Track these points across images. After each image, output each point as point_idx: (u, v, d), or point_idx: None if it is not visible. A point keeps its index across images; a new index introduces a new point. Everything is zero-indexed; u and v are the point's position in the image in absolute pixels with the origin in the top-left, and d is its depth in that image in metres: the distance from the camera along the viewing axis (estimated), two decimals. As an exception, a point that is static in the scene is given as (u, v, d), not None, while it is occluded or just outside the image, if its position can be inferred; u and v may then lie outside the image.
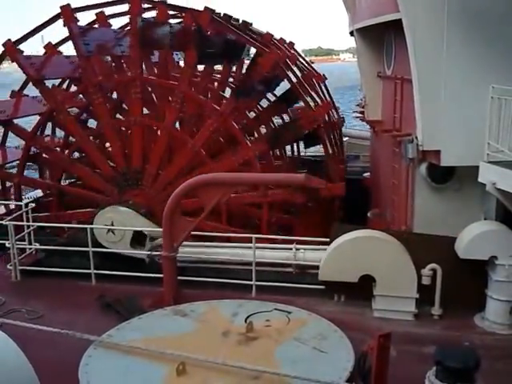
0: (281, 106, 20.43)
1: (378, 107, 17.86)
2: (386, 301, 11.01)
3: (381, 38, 16.82)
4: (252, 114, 19.74)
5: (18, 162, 17.46)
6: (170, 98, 17.02)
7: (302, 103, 18.59)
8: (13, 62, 16.36)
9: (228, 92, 19.63)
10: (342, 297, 11.71)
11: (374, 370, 6.80)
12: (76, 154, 18.48)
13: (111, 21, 18.79)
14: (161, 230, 11.94)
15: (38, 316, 11.10)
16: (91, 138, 17.74)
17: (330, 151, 18.49)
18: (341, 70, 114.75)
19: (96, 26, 18.25)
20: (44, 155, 17.73)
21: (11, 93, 18.77)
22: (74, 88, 20.12)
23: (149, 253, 13.17)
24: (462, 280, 10.84)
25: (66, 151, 17.97)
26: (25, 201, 17.20)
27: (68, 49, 18.17)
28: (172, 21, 18.17)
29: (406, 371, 8.04)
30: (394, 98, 14.86)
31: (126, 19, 18.43)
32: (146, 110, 17.27)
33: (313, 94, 19.32)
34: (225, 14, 20.19)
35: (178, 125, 17.71)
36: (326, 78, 22.80)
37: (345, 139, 25.42)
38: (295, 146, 22.73)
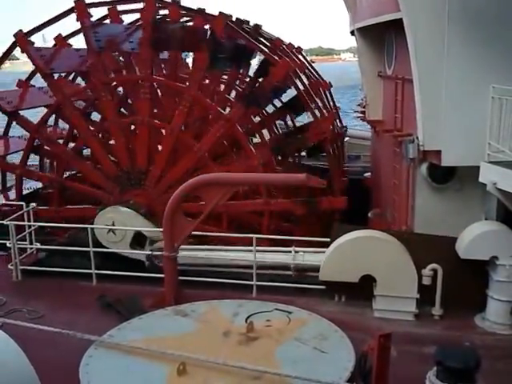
0: (286, 112, 20.63)
1: (378, 107, 17.87)
2: (386, 301, 11.01)
3: (381, 37, 16.82)
4: (257, 117, 19.82)
5: (21, 151, 17.54)
6: (177, 99, 17.19)
7: (307, 111, 18.51)
8: (23, 52, 16.24)
9: (233, 93, 19.79)
10: (343, 297, 11.71)
11: (375, 370, 6.80)
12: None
13: (123, 17, 19.04)
14: (161, 229, 11.94)
15: (38, 316, 11.10)
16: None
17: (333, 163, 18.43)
18: (341, 70, 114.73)
19: (107, 21, 18.37)
20: (47, 147, 17.78)
21: (18, 82, 18.75)
22: (79, 80, 20.30)
23: (149, 253, 13.21)
24: (462, 280, 10.84)
25: (72, 143, 18.20)
26: (25, 191, 17.52)
27: (78, 41, 18.44)
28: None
29: (406, 371, 8.04)
30: (394, 97, 14.86)
31: (137, 15, 18.69)
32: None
33: (318, 102, 19.33)
34: (237, 19, 20.45)
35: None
36: (332, 86, 22.85)
37: (346, 139, 25.44)
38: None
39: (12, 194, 18.28)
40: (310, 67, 22.03)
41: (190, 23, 19.20)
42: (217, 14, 16.43)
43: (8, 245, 13.22)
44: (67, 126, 19.06)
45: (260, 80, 17.05)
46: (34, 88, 18.75)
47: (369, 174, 20.64)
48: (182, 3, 17.75)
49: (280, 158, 20.08)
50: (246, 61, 17.99)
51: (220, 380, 7.73)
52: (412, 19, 12.01)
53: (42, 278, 12.94)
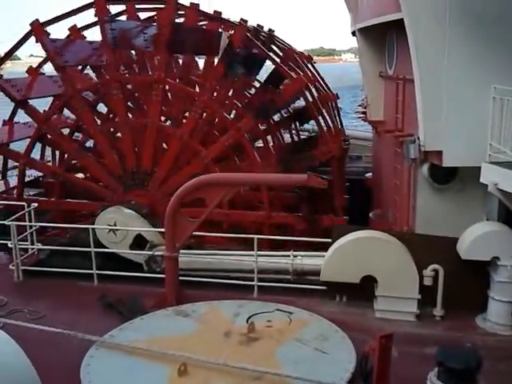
0: (293, 122, 20.76)
1: (380, 107, 17.86)
2: (387, 301, 11.00)
3: (383, 38, 16.81)
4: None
5: (24, 139, 17.59)
6: (183, 102, 17.45)
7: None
8: (37, 42, 16.10)
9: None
10: (344, 297, 11.70)
11: (376, 371, 6.80)
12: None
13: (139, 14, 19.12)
14: (162, 229, 11.93)
15: (40, 316, 11.09)
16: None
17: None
18: (343, 70, 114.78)
19: (124, 17, 18.44)
20: (49, 136, 17.79)
21: (28, 68, 18.74)
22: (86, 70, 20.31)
23: (150, 253, 13.21)
24: (463, 281, 10.83)
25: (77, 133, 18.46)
26: (27, 179, 17.58)
27: (92, 34, 18.56)
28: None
29: (407, 372, 8.04)
30: (395, 98, 14.86)
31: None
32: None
33: (325, 115, 19.39)
34: (254, 27, 20.79)
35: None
36: (339, 98, 22.95)
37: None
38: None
39: (13, 181, 18.41)
40: (319, 78, 22.15)
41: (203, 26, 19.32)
42: (233, 19, 16.65)
43: (9, 245, 13.23)
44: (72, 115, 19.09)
45: (270, 88, 17.36)
46: (43, 76, 18.75)
47: (370, 174, 20.62)
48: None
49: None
50: (257, 69, 18.14)
51: (221, 380, 7.73)
52: (413, 19, 12.00)
53: (43, 278, 12.93)
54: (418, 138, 12.40)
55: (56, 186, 16.98)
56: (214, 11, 20.63)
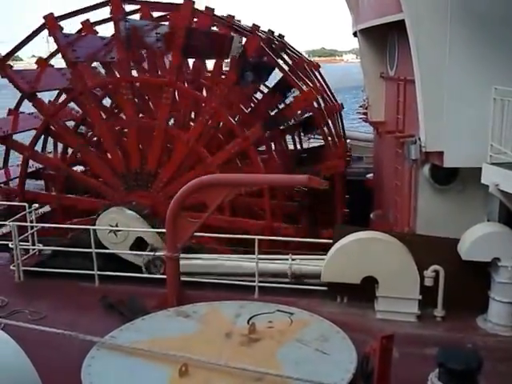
0: (298, 130, 20.91)
1: (381, 108, 17.86)
2: (388, 302, 10.99)
3: (384, 38, 16.82)
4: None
5: (28, 130, 17.66)
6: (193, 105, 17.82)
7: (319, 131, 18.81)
8: (50, 36, 16.19)
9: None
10: (345, 298, 11.69)
11: (377, 372, 6.80)
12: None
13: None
14: (164, 230, 11.93)
15: (41, 317, 11.09)
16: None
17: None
18: (344, 71, 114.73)
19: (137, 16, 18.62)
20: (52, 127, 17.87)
21: (37, 59, 18.85)
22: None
23: (151, 253, 13.22)
24: (464, 282, 10.82)
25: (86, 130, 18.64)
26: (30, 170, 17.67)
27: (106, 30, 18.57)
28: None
29: (408, 373, 8.03)
30: (396, 99, 14.87)
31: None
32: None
33: (330, 125, 19.52)
34: (266, 33, 21.27)
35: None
36: (343, 108, 23.11)
37: (348, 141, 25.53)
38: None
39: (14, 171, 18.50)
40: (326, 87, 22.34)
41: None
42: (237, 18, 16.72)
43: (10, 245, 13.24)
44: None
45: (277, 95, 18.29)
46: (52, 68, 18.86)
47: (371, 175, 20.63)
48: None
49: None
50: (266, 76, 18.50)
51: (222, 381, 7.75)
52: (414, 20, 12.00)
53: (44, 278, 12.94)
54: (419, 139, 12.41)
55: (58, 180, 17.05)
56: (228, 15, 20.91)
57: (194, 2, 15.89)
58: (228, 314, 10.00)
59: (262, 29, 21.79)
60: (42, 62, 18.54)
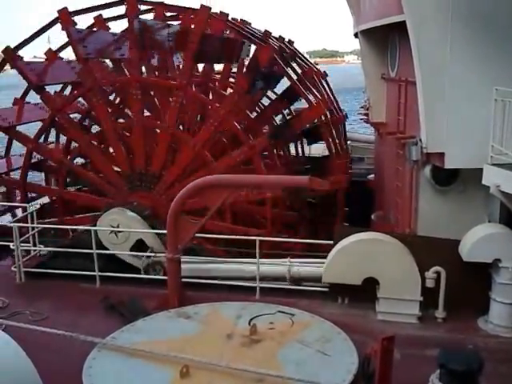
0: (301, 138, 21.14)
1: (382, 109, 17.85)
2: (389, 303, 10.99)
3: (385, 39, 16.81)
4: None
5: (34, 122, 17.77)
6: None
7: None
8: (63, 30, 16.07)
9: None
10: (346, 299, 11.69)
11: (378, 373, 6.81)
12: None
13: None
14: (165, 231, 11.93)
15: (42, 318, 11.10)
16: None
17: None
18: (345, 72, 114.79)
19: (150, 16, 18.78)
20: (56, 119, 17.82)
21: (47, 51, 18.99)
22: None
23: (152, 254, 13.23)
24: (465, 283, 10.82)
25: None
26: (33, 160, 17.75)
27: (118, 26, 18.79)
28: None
29: (409, 374, 8.03)
30: (398, 100, 14.86)
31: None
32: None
33: (334, 135, 19.60)
34: (279, 37, 21.77)
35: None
36: (348, 117, 23.27)
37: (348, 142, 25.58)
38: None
39: (15, 161, 18.53)
40: (333, 98, 22.50)
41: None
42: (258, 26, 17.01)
43: (11, 246, 13.24)
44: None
45: (285, 102, 18.94)
46: (61, 61, 18.92)
47: (372, 176, 20.62)
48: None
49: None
50: (275, 84, 18.91)
51: (223, 382, 7.75)
52: (415, 21, 12.00)
53: (45, 279, 12.95)
54: (420, 140, 12.40)
55: (60, 174, 17.13)
56: (241, 19, 21.13)
57: (210, 8, 16.02)
58: (229, 315, 10.00)
59: (271, 32, 22.09)
60: (52, 54, 18.69)
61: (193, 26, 16.44)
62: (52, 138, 20.44)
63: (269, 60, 16.08)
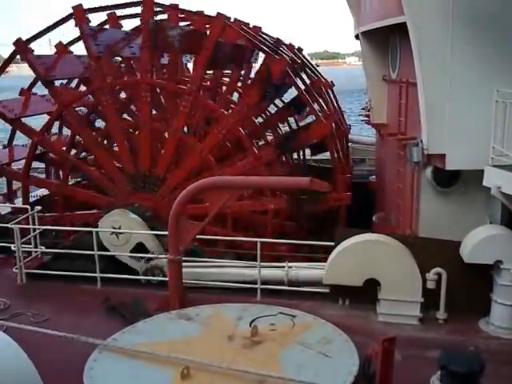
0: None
1: (383, 111, 17.88)
2: (390, 305, 10.99)
3: (386, 41, 16.83)
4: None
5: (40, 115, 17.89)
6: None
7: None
8: (76, 26, 16.16)
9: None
10: (347, 301, 11.69)
11: (379, 375, 6.81)
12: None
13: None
14: (166, 232, 11.93)
15: (43, 319, 11.11)
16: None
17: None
18: (347, 74, 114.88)
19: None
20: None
21: (57, 44, 19.14)
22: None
23: (154, 256, 13.24)
24: (466, 284, 10.82)
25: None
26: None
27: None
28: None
29: (410, 375, 8.03)
30: (398, 101, 14.87)
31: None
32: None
33: (339, 148, 19.74)
34: (289, 45, 22.23)
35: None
36: (350, 128, 23.40)
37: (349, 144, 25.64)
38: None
39: (18, 152, 18.60)
40: (338, 109, 22.60)
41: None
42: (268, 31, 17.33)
43: (13, 248, 13.24)
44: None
45: (291, 110, 19.49)
46: (71, 55, 18.99)
47: (374, 177, 20.64)
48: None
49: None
50: (283, 93, 19.44)
51: (224, 384, 7.74)
52: (416, 23, 12.02)
53: (46, 281, 12.96)
54: (421, 141, 12.41)
55: (63, 169, 17.33)
56: (253, 26, 21.43)
57: (229, 18, 16.16)
58: (230, 316, 9.99)
59: (282, 41, 22.68)
60: (62, 48, 18.87)
61: (208, 33, 16.59)
62: (55, 129, 20.50)
63: (281, 73, 16.20)
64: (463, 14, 11.54)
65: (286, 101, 21.39)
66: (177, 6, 19.01)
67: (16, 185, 18.47)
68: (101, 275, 12.82)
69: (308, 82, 20.62)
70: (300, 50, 23.96)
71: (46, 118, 17.94)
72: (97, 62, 16.39)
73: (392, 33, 15.78)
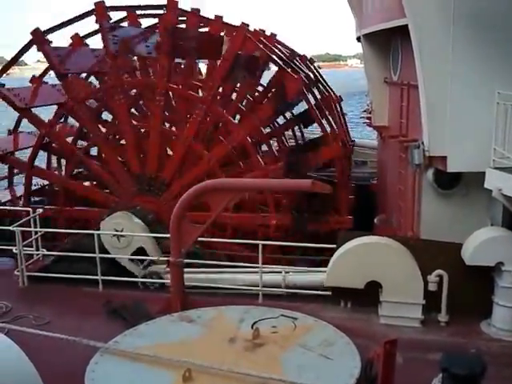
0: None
1: (384, 113, 17.87)
2: (392, 307, 10.99)
3: (387, 43, 16.84)
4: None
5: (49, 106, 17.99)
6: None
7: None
8: (97, 23, 16.20)
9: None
10: (349, 303, 11.69)
11: (381, 377, 6.80)
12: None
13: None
14: (168, 235, 11.93)
15: (45, 322, 11.12)
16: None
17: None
18: (348, 76, 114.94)
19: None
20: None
21: (74, 35, 19.20)
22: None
23: (155, 258, 13.25)
24: (468, 286, 10.82)
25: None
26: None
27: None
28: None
29: (412, 378, 8.03)
30: (400, 103, 14.87)
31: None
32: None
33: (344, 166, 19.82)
34: (303, 56, 22.72)
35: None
36: (354, 141, 23.49)
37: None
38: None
39: (24, 139, 18.73)
40: (345, 126, 22.72)
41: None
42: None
43: (14, 251, 13.25)
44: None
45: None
46: (86, 48, 19.07)
47: (375, 179, 20.64)
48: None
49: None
50: (293, 107, 19.67)
51: (225, 386, 7.74)
52: (417, 25, 12.02)
53: (47, 284, 12.96)
54: (423, 143, 12.40)
55: (69, 164, 17.59)
56: (271, 33, 21.96)
57: (248, 25, 16.46)
58: (232, 319, 9.97)
59: (296, 52, 22.93)
60: (78, 40, 19.08)
61: (228, 42, 16.72)
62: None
63: (297, 93, 16.29)
64: (465, 15, 11.54)
65: (294, 112, 21.65)
66: (198, 10, 19.00)
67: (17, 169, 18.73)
68: (102, 278, 12.82)
69: (319, 97, 20.70)
70: (312, 61, 24.07)
71: (54, 106, 18.07)
72: (113, 60, 16.42)
73: (394, 35, 15.79)
